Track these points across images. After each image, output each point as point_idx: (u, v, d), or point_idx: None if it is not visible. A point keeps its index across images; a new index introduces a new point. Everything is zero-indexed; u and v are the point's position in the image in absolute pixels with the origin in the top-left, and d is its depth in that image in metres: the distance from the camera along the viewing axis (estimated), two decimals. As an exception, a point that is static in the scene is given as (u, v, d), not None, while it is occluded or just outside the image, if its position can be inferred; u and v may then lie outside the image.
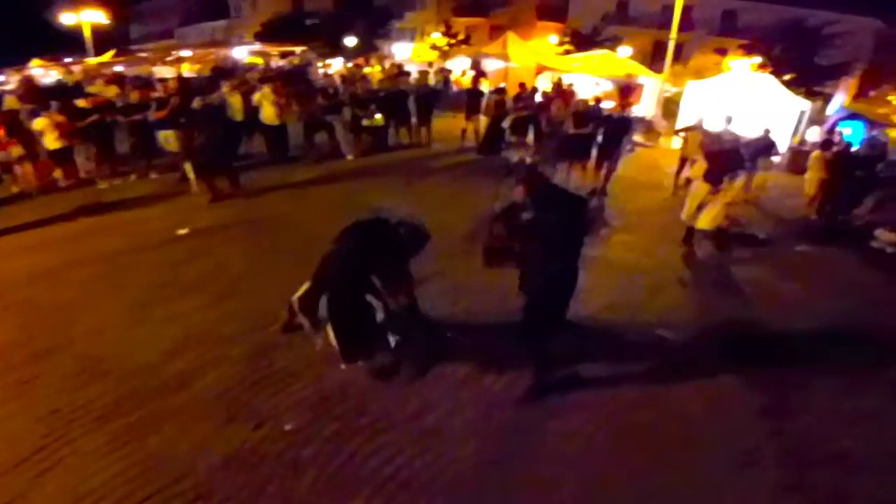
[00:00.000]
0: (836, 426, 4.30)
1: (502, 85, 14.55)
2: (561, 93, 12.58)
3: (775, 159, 11.52)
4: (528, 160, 11.61)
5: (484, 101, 12.70)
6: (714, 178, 7.35)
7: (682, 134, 10.69)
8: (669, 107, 17.78)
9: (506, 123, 11.66)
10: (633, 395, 4.44)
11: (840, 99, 16.51)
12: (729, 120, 9.64)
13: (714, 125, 9.95)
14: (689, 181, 8.22)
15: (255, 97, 10.62)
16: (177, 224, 7.46)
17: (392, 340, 4.34)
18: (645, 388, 4.56)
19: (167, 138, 9.63)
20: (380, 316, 4.20)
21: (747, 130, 11.21)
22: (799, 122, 15.09)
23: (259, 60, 26.63)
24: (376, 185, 9.71)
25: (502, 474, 3.63)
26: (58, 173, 9.16)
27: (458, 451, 3.77)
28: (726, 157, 7.61)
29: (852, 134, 14.47)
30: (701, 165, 7.65)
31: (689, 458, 3.86)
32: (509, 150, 11.84)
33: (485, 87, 14.46)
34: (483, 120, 12.56)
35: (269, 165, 10.55)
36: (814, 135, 14.98)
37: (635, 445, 3.93)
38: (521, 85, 12.80)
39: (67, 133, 8.88)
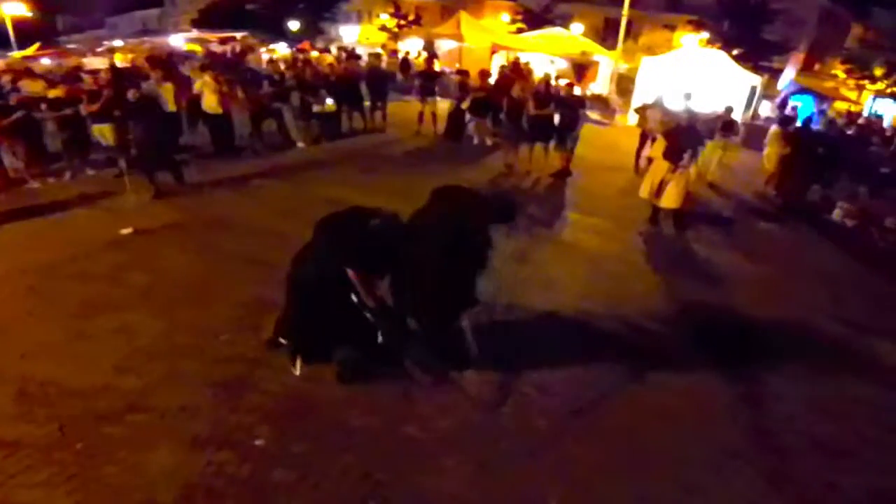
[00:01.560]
0: (810, 413, 4.24)
1: (456, 66, 14.16)
2: (520, 72, 12.27)
3: (735, 139, 11.56)
4: (489, 141, 11.40)
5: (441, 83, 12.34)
6: (674, 155, 7.25)
7: (642, 112, 10.56)
8: (623, 84, 17.77)
9: (464, 105, 11.37)
10: (606, 392, 4.25)
11: (790, 73, 16.79)
12: (688, 96, 9.56)
13: (672, 102, 9.86)
14: (650, 160, 8.10)
15: (196, 85, 9.98)
16: (116, 225, 6.84)
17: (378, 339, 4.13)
18: (617, 383, 4.37)
19: (102, 132, 8.99)
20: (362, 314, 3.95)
21: (702, 106, 11.21)
22: (751, 97, 15.26)
23: (197, 48, 25.36)
24: (330, 175, 9.25)
25: (484, 484, 3.40)
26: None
27: (437, 463, 3.52)
28: (685, 135, 7.51)
29: (802, 108, 14.76)
30: (660, 143, 7.54)
31: (669, 457, 3.70)
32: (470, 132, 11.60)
33: (437, 68, 14.03)
34: (440, 103, 12.20)
35: (214, 158, 9.87)
36: (766, 110, 15.22)
37: (611, 447, 3.75)
38: (482, 72, 12.45)
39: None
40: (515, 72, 12.31)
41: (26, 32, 25.77)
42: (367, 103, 12.50)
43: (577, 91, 10.49)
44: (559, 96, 9.40)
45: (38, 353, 4.42)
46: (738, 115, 14.14)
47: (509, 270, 5.81)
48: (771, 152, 9.71)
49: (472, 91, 11.51)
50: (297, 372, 4.17)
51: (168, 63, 14.32)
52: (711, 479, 3.54)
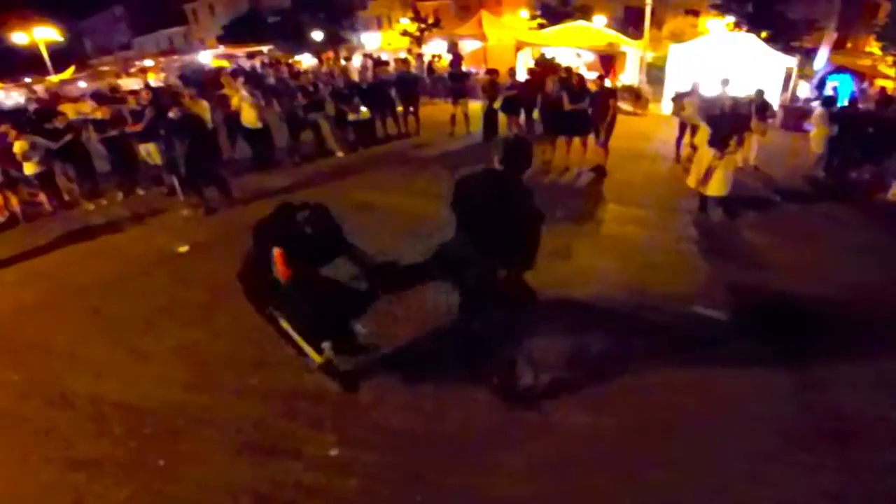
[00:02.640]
0: (882, 398, 4.08)
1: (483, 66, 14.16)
2: (551, 68, 12.24)
3: (770, 121, 11.31)
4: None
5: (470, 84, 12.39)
6: (719, 142, 7.16)
7: (679, 100, 10.42)
8: (652, 73, 17.55)
9: (496, 104, 11.40)
10: (658, 384, 4.16)
11: (825, 53, 16.36)
12: (725, 82, 9.41)
13: (709, 89, 9.71)
14: (694, 148, 8.01)
15: (233, 101, 10.16)
16: (171, 242, 7.05)
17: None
18: (672, 375, 4.26)
19: (148, 152, 9.22)
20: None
21: (737, 91, 10.98)
22: (787, 78, 14.91)
23: (225, 63, 25.90)
24: (368, 181, 9.33)
25: (539, 483, 3.38)
26: (41, 198, 8.69)
27: (485, 461, 3.51)
28: (730, 120, 7.40)
29: (841, 87, 14.38)
30: (704, 131, 7.46)
31: (735, 448, 3.60)
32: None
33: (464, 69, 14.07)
34: (472, 103, 12.25)
35: (256, 171, 10.09)
36: (804, 91, 14.88)
37: (669, 440, 3.67)
38: (511, 70, 12.46)
39: (45, 155, 8.43)
40: (546, 68, 12.29)
41: (58, 56, 26.60)
42: (398, 108, 12.63)
43: (607, 83, 10.43)
44: (592, 89, 9.35)
45: (109, 373, 4.58)
46: (775, 98, 13.88)
47: (554, 266, 5.80)
48: (817, 133, 9.47)
49: (503, 90, 11.54)
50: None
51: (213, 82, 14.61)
52: (780, 470, 3.45)
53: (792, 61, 15.21)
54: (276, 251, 3.69)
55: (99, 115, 9.56)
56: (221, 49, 30.66)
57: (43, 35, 24.98)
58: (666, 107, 15.03)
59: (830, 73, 16.01)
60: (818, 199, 8.37)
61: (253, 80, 12.13)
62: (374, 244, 6.39)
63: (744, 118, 7.80)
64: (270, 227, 3.98)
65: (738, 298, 5.42)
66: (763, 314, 5.17)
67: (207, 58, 28.84)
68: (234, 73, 15.38)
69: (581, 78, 9.41)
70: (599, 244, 6.70)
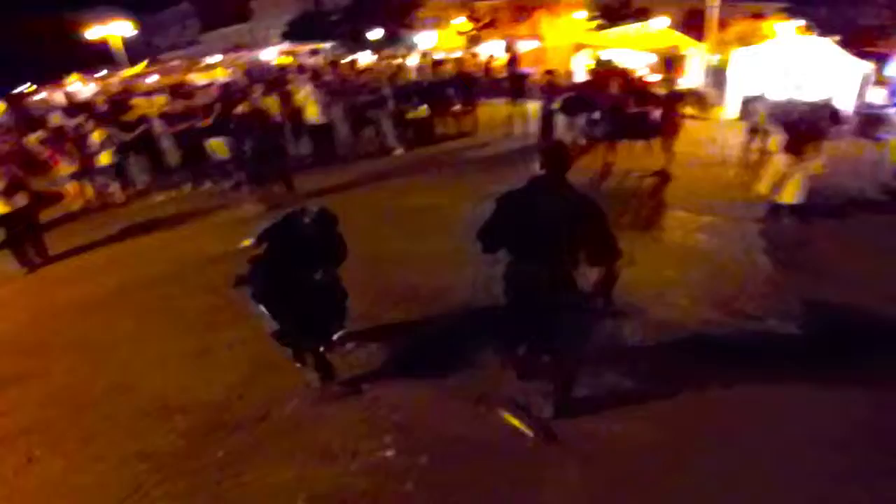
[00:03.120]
0: None
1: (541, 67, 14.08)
2: (615, 71, 12.08)
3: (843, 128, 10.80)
4: (582, 141, 11.27)
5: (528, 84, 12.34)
6: (796, 148, 6.91)
7: (750, 105, 10.10)
8: (716, 77, 17.02)
9: (555, 105, 11.30)
10: (735, 396, 4.00)
11: (899, 58, 15.62)
12: (799, 87, 9.08)
13: (779, 93, 9.41)
14: (763, 154, 7.75)
15: (299, 98, 10.45)
16: (236, 235, 7.22)
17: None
18: (745, 387, 4.07)
19: (216, 146, 9.52)
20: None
21: (809, 96, 10.56)
22: (862, 85, 14.20)
23: (289, 60, 26.54)
24: (425, 181, 9.42)
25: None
26: (114, 188, 9.15)
27: (559, 474, 3.45)
28: (808, 127, 7.13)
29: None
30: (780, 137, 7.21)
31: (807, 470, 3.41)
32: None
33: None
34: (529, 104, 12.20)
35: (318, 167, 10.32)
36: (878, 97, 14.17)
37: (739, 459, 3.49)
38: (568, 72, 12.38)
39: (120, 146, 8.87)
40: (608, 70, 12.12)
41: (128, 52, 27.74)
42: (456, 108, 12.71)
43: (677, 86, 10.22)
44: (659, 93, 9.19)
45: (172, 365, 4.74)
46: (849, 104, 13.25)
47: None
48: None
49: (562, 90, 11.45)
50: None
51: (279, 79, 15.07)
52: (850, 497, 3.25)
53: (868, 66, 14.49)
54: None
55: (169, 109, 10.01)
56: (286, 46, 31.36)
57: (119, 29, 26.15)
58: (731, 111, 14.59)
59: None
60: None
61: (316, 77, 12.42)
62: (428, 246, 6.64)
63: (821, 124, 7.51)
64: (277, 225, 4.22)
65: (811, 313, 5.14)
66: (837, 330, 4.91)
67: (272, 55, 29.57)
68: (300, 70, 15.79)
69: (647, 81, 9.26)
70: (665, 252, 6.53)
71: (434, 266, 6.11)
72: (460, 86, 12.58)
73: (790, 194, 6.98)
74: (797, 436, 3.66)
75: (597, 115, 10.97)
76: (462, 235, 6.69)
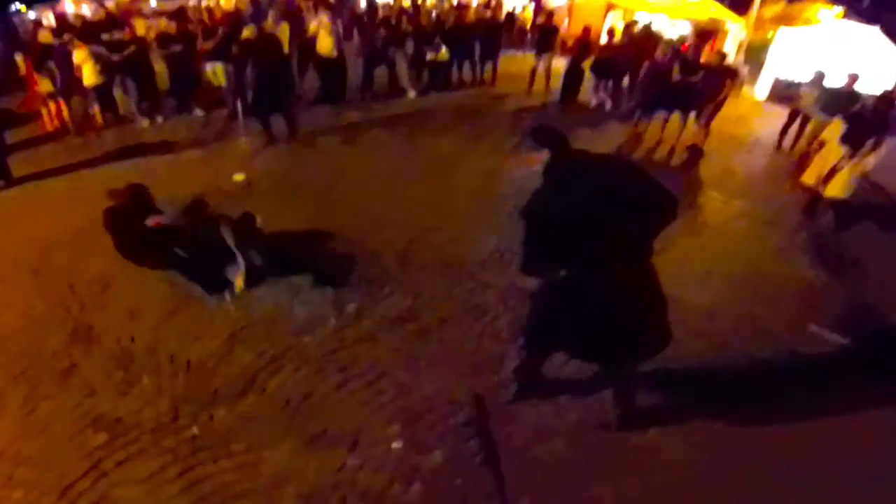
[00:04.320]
0: None
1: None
2: (653, 37, 11.17)
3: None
4: (608, 105, 10.56)
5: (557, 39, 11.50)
6: (855, 140, 6.29)
7: (793, 89, 9.38)
8: (749, 55, 16.13)
9: (586, 64, 10.52)
10: (776, 417, 3.45)
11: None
12: (854, 78, 8.38)
13: (832, 80, 8.70)
14: (817, 143, 7.11)
15: (311, 26, 9.54)
16: (227, 170, 6.54)
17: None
18: (789, 404, 3.58)
19: (215, 72, 8.69)
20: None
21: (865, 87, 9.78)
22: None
23: None
24: (441, 129, 8.67)
25: None
26: (94, 111, 8.31)
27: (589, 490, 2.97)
28: (871, 119, 6.50)
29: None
30: (837, 126, 6.57)
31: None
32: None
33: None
34: (557, 60, 11.37)
35: (324, 105, 9.49)
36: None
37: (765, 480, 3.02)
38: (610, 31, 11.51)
39: (106, 67, 8.02)
40: (647, 36, 11.23)
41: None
42: (477, 57, 11.84)
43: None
44: (708, 64, 8.44)
45: (146, 314, 4.13)
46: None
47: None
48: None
49: (594, 50, 10.67)
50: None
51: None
52: None
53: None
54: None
55: (166, 28, 9.14)
56: None
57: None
58: (761, 92, 13.80)
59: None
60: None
61: (334, 8, 11.48)
62: (442, 204, 6.07)
63: (885, 119, 6.84)
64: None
65: (859, 322, 4.69)
66: (890, 345, 4.47)
67: None
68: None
69: (697, 49, 8.50)
70: (701, 236, 5.92)
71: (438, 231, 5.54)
72: (485, 33, 11.64)
73: (837, 188, 6.41)
74: (844, 465, 3.15)
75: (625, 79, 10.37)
76: (475, 194, 6.28)
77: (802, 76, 10.99)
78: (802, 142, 8.89)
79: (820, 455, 3.20)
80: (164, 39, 8.85)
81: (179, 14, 10.78)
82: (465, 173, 6.95)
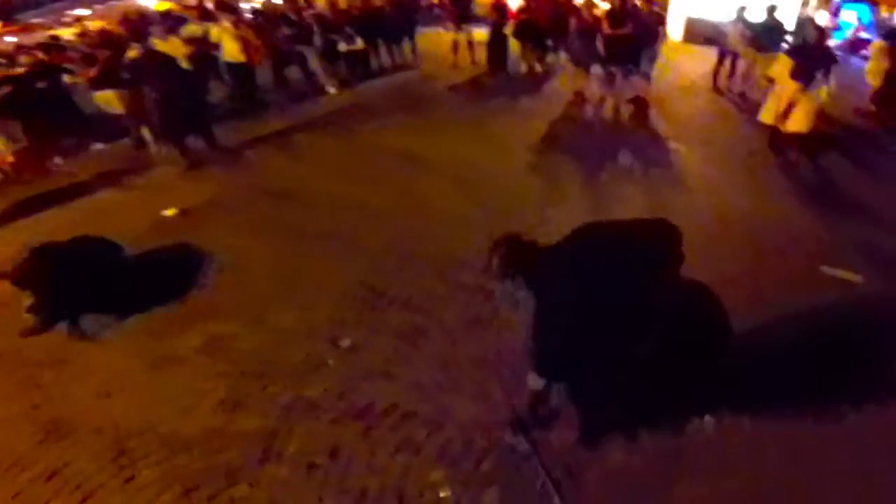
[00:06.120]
0: None
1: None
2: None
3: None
4: (538, 68, 10.19)
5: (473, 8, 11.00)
6: (805, 74, 6.20)
7: (725, 28, 9.31)
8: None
9: (507, 30, 10.07)
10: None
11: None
12: (773, 8, 8.39)
13: (753, 15, 8.71)
14: (769, 80, 7.00)
15: (213, 33, 8.57)
16: (154, 205, 5.63)
17: None
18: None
19: (107, 100, 7.53)
20: None
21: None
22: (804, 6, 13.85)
23: (170, 5, 22.94)
24: (378, 122, 8.02)
25: None
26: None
27: None
28: (815, 51, 6.42)
29: (860, 17, 13.53)
30: (785, 62, 6.46)
31: None
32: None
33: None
34: (476, 30, 10.85)
35: (239, 115, 8.53)
36: (822, 20, 13.93)
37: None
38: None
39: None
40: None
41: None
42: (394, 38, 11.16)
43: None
44: (636, 13, 8.17)
45: (121, 390, 3.37)
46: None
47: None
48: (875, 67, 8.56)
49: (513, 14, 10.26)
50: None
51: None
52: None
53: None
54: None
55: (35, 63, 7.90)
56: None
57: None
58: (673, 33, 13.83)
59: (846, 1, 15.06)
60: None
61: (229, 9, 10.38)
62: (413, 208, 5.45)
63: (830, 50, 6.78)
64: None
65: (864, 256, 4.56)
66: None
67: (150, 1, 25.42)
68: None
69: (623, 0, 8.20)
70: (681, 190, 5.68)
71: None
72: (398, 13, 10.93)
73: (796, 122, 6.33)
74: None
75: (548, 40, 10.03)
76: (452, 182, 5.81)
77: (715, 13, 11.07)
78: (738, 80, 8.87)
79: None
80: (36, 73, 7.62)
81: (49, 46, 9.41)
82: (426, 170, 6.37)
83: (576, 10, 8.49)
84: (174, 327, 3.86)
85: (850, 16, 13.83)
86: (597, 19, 8.03)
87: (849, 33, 13.48)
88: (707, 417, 2.96)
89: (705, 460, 2.79)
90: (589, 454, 2.81)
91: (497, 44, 10.16)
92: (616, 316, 2.18)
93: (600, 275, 2.18)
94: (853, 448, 2.83)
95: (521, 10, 10.21)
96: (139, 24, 13.85)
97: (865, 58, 9.73)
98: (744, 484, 2.67)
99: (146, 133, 7.10)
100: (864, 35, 12.85)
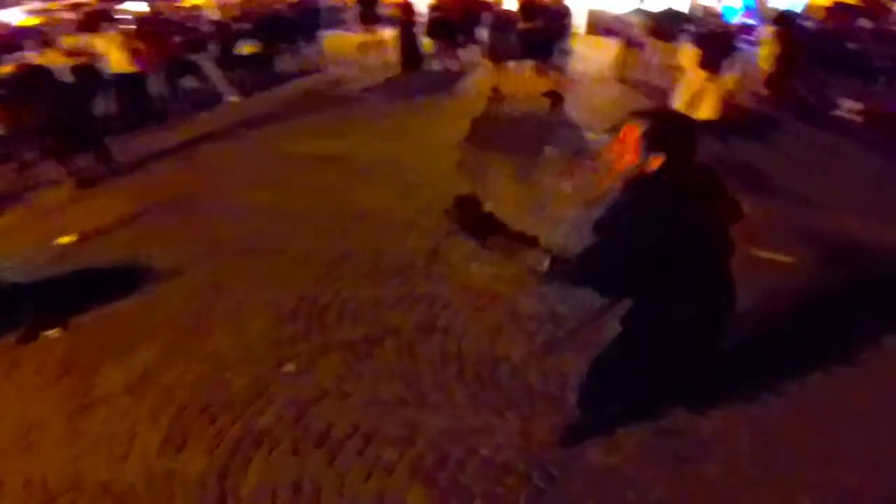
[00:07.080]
0: None
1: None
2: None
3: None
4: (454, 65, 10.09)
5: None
6: (711, 63, 6.42)
7: (627, 19, 9.57)
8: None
9: (418, 29, 9.87)
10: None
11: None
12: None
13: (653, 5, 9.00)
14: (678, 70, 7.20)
15: (98, 45, 7.81)
16: (48, 232, 4.93)
17: None
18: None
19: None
20: None
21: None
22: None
23: (39, 20, 20.80)
24: (294, 128, 7.60)
25: None
26: None
27: None
28: (719, 40, 6.67)
29: (745, 3, 14.44)
30: (692, 51, 6.65)
31: None
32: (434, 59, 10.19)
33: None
34: (386, 32, 10.59)
35: (132, 129, 7.76)
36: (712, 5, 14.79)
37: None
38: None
39: None
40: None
41: None
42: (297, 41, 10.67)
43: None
44: (545, 7, 8.20)
45: (43, 436, 2.87)
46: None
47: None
48: (767, 52, 9.07)
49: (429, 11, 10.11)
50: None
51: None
52: None
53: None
54: None
55: None
56: (36, 3, 24.40)
57: None
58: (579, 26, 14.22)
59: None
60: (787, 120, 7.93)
61: (109, 18, 9.47)
62: (345, 201, 5.20)
63: (734, 38, 7.08)
64: None
65: (796, 238, 4.67)
66: (838, 257, 4.35)
67: (16, 16, 22.90)
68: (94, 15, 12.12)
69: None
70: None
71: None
72: (301, 16, 10.45)
73: (708, 110, 6.52)
74: None
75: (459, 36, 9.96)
76: (390, 185, 5.52)
77: (616, 4, 11.41)
78: (640, 69, 9.13)
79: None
80: None
81: None
82: (345, 172, 6.01)
83: (488, 5, 8.39)
84: (88, 364, 3.33)
85: (734, 2, 14.73)
86: (510, 14, 7.99)
87: (735, 19, 14.29)
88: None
89: (683, 448, 2.68)
90: (569, 453, 2.65)
91: (409, 43, 9.94)
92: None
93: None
94: (816, 425, 2.82)
95: (434, 8, 9.99)
96: (9, 38, 12.56)
97: (751, 43, 10.33)
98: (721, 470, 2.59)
99: (28, 155, 6.37)
100: (748, 21, 13.66)
